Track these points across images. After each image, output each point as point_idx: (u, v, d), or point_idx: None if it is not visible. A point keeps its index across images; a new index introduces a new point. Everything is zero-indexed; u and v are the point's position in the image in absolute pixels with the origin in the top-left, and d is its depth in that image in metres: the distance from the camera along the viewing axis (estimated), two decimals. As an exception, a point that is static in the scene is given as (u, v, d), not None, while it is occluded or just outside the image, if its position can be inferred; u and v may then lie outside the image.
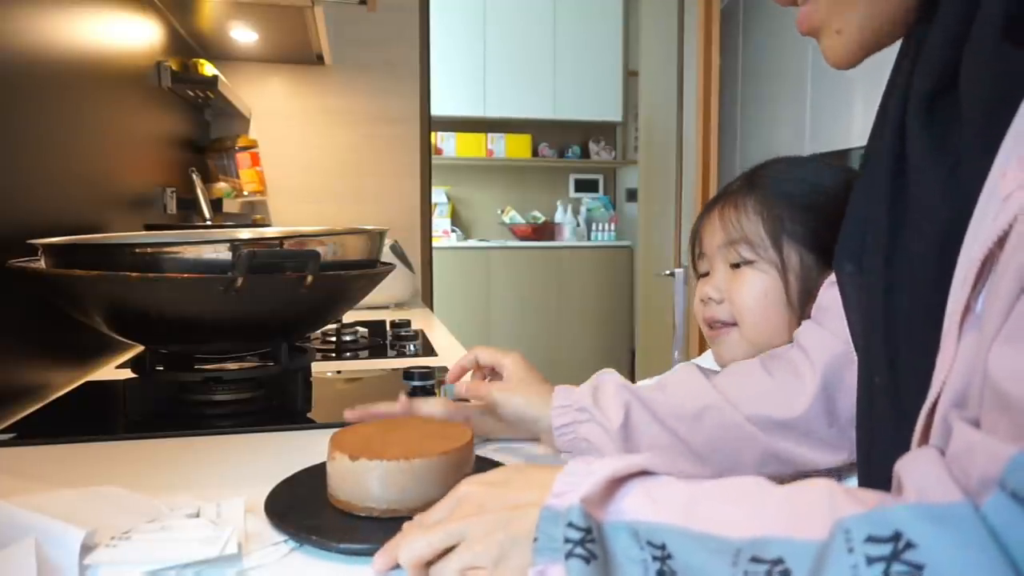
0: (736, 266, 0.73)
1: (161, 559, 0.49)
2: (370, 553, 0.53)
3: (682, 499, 0.40)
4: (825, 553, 0.32)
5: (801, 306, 0.71)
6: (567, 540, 0.39)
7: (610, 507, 0.41)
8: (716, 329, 0.76)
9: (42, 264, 0.89)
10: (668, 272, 2.74)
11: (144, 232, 1.42)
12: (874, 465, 0.52)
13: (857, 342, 0.54)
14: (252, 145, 2.23)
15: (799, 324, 0.70)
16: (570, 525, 0.39)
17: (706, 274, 0.77)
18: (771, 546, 0.35)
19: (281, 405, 0.96)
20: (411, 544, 0.47)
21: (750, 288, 0.72)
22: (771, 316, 0.71)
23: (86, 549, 0.49)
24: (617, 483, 0.42)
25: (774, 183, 0.73)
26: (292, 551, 0.54)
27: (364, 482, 0.58)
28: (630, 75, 4.63)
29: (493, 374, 0.77)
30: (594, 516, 0.40)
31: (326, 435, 0.64)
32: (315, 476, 0.65)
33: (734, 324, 0.74)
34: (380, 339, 1.50)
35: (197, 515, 0.58)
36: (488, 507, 0.47)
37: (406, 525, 0.52)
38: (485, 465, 0.70)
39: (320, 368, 1.20)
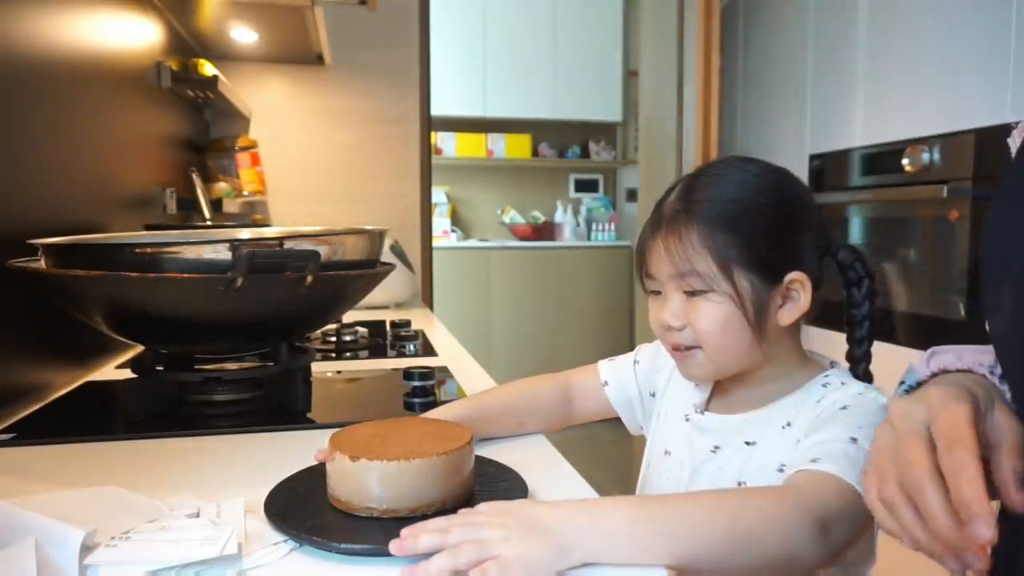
0: (690, 293, 0.75)
1: (161, 559, 0.49)
2: (370, 553, 0.54)
3: None
4: None
5: (759, 323, 0.74)
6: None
7: None
8: (681, 351, 0.77)
9: (42, 264, 0.89)
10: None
11: (144, 232, 1.42)
12: None
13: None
14: (252, 145, 2.23)
15: (759, 340, 0.74)
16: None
17: (657, 292, 0.78)
18: None
19: (281, 405, 0.95)
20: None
21: (709, 318, 0.74)
22: (733, 339, 0.74)
23: (86, 549, 0.49)
24: None
25: (710, 208, 0.74)
26: (292, 551, 0.54)
27: (364, 482, 0.58)
28: (630, 75, 4.63)
29: None
30: None
31: (326, 435, 0.64)
32: (315, 476, 0.65)
33: (698, 347, 0.76)
34: (380, 339, 1.50)
35: (197, 515, 0.58)
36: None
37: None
38: (485, 465, 0.70)
39: (320, 368, 1.20)
